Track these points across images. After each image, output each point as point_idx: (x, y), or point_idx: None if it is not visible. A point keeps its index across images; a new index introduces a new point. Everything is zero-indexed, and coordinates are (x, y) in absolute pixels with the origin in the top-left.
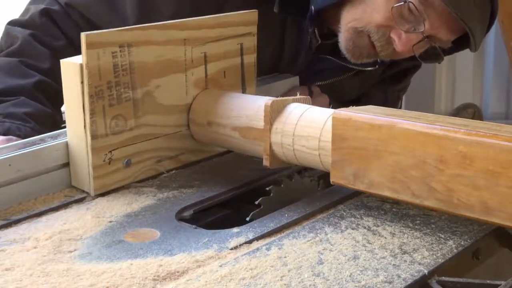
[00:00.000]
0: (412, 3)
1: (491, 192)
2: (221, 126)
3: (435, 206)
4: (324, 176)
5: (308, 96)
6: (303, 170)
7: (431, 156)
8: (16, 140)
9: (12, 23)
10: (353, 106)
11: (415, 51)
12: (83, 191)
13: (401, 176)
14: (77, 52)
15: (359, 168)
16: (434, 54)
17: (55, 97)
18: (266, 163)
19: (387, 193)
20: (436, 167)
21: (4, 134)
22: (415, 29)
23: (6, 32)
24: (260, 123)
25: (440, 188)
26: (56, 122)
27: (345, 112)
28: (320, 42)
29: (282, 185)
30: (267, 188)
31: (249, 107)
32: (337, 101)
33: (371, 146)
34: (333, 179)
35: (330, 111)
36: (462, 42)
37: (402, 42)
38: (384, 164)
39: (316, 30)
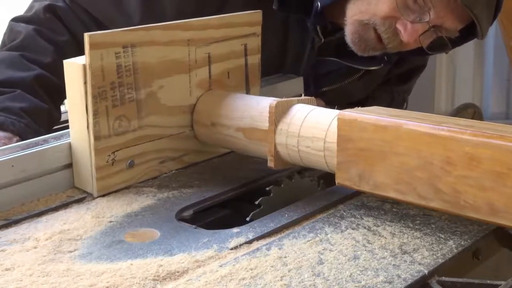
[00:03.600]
0: None
1: (497, 193)
2: (225, 127)
3: (441, 208)
4: (324, 176)
5: (313, 97)
6: (303, 170)
7: (438, 157)
8: (3, 136)
9: (16, 20)
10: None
11: (422, 42)
12: (85, 192)
13: (406, 178)
14: (80, 48)
15: (364, 169)
16: (441, 44)
17: (55, 92)
18: (270, 164)
19: (392, 194)
20: (443, 168)
21: None
22: (420, 19)
23: (10, 28)
24: (265, 124)
25: (446, 189)
26: (52, 118)
27: (350, 113)
28: (323, 40)
29: (282, 185)
30: (267, 188)
31: (253, 108)
32: (342, 105)
33: (376, 147)
34: (338, 180)
35: (335, 112)
36: (469, 31)
37: (408, 33)
38: (390, 165)
39: (318, 28)
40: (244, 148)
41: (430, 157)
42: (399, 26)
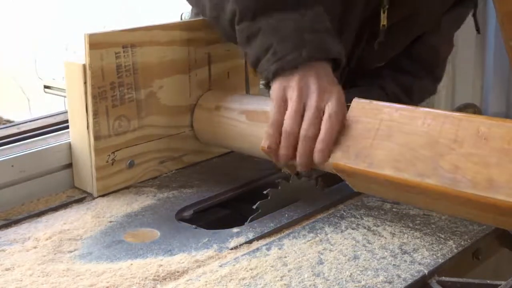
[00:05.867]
0: None
1: (500, 169)
2: (229, 110)
3: (436, 184)
4: (324, 176)
5: None
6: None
7: (447, 136)
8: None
9: None
10: None
11: None
12: (85, 192)
13: (409, 155)
14: None
15: (363, 147)
16: None
17: None
18: (264, 144)
19: (387, 171)
20: (449, 146)
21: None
22: None
23: None
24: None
25: (446, 166)
26: None
27: (365, 100)
28: None
29: (279, 188)
30: (265, 192)
31: (263, 98)
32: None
33: (384, 127)
34: (333, 159)
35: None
36: None
37: None
38: (394, 143)
39: None
40: (242, 132)
41: (439, 135)
42: None
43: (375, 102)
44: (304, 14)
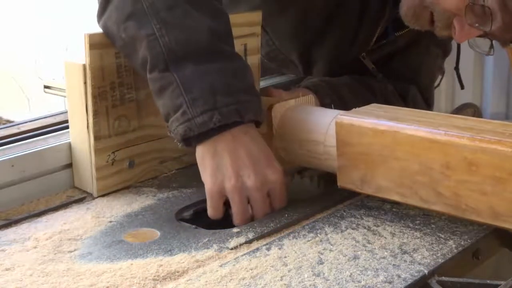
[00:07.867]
0: (489, 7)
1: (498, 198)
2: None
3: (444, 211)
4: (324, 176)
5: (310, 95)
6: (303, 170)
7: (437, 162)
8: None
9: None
10: None
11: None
12: (85, 192)
13: (408, 182)
14: None
15: (366, 173)
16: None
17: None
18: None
19: (395, 197)
20: (442, 173)
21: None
22: (479, 25)
23: None
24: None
25: (447, 193)
26: None
27: (348, 118)
28: None
29: None
30: None
31: None
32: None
33: (376, 152)
34: (340, 183)
35: (333, 113)
36: None
37: (462, 34)
38: (390, 169)
39: None
40: None
41: (429, 162)
42: (456, 24)
43: (357, 122)
44: (221, 68)
